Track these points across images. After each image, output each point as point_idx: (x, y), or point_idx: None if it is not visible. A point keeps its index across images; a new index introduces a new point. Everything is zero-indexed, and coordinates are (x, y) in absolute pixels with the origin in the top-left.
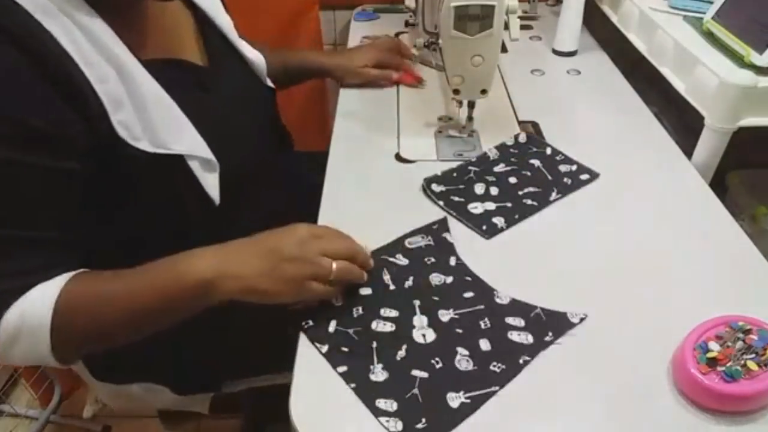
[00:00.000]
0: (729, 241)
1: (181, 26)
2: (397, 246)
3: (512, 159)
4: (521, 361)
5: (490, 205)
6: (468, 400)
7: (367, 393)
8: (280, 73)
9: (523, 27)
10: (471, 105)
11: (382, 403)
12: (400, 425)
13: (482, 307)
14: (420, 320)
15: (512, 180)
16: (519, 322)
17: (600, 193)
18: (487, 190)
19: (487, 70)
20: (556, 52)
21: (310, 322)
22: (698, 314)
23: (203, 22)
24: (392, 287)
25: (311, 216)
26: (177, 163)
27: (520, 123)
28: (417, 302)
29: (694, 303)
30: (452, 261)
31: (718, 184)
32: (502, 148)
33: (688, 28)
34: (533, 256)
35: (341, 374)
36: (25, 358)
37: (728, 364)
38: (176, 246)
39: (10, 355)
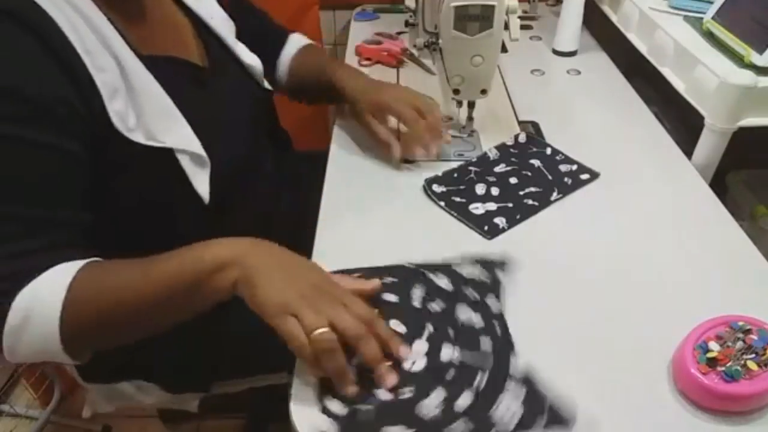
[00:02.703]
0: (729, 241)
1: (180, 29)
2: (448, 271)
3: (512, 159)
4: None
5: (492, 206)
6: None
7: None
8: (311, 84)
9: (523, 27)
10: (471, 105)
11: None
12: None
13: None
14: (421, 345)
15: (513, 180)
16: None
17: (600, 193)
18: (488, 190)
19: (487, 70)
20: (556, 52)
21: None
22: (698, 314)
23: (201, 29)
24: (416, 304)
25: (302, 216)
26: (167, 157)
27: (520, 123)
28: (429, 326)
29: (694, 303)
30: (493, 305)
31: (718, 184)
32: (502, 148)
33: (688, 28)
34: (533, 257)
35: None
36: (34, 350)
37: (728, 364)
38: (163, 243)
39: (18, 347)
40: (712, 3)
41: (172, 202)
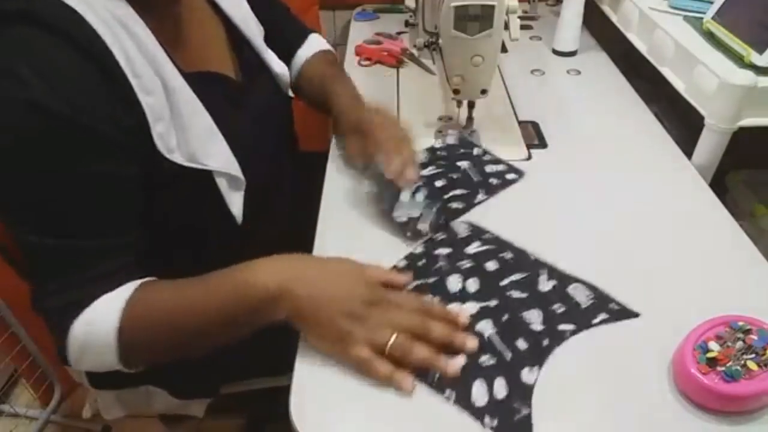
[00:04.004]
0: (729, 241)
1: (215, 40)
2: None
3: (440, 162)
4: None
5: (415, 212)
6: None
7: None
8: (311, 93)
9: (523, 27)
10: (471, 105)
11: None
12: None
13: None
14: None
15: (439, 183)
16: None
17: (600, 194)
18: (413, 194)
19: (487, 70)
20: (556, 52)
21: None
22: (698, 314)
23: (235, 36)
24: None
25: (303, 216)
26: (205, 179)
27: (520, 123)
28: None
29: (694, 303)
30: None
31: (718, 184)
32: (430, 150)
33: (688, 28)
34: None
35: None
36: (95, 366)
37: (728, 364)
38: (192, 257)
39: (81, 364)
40: (712, 3)
41: (206, 220)
